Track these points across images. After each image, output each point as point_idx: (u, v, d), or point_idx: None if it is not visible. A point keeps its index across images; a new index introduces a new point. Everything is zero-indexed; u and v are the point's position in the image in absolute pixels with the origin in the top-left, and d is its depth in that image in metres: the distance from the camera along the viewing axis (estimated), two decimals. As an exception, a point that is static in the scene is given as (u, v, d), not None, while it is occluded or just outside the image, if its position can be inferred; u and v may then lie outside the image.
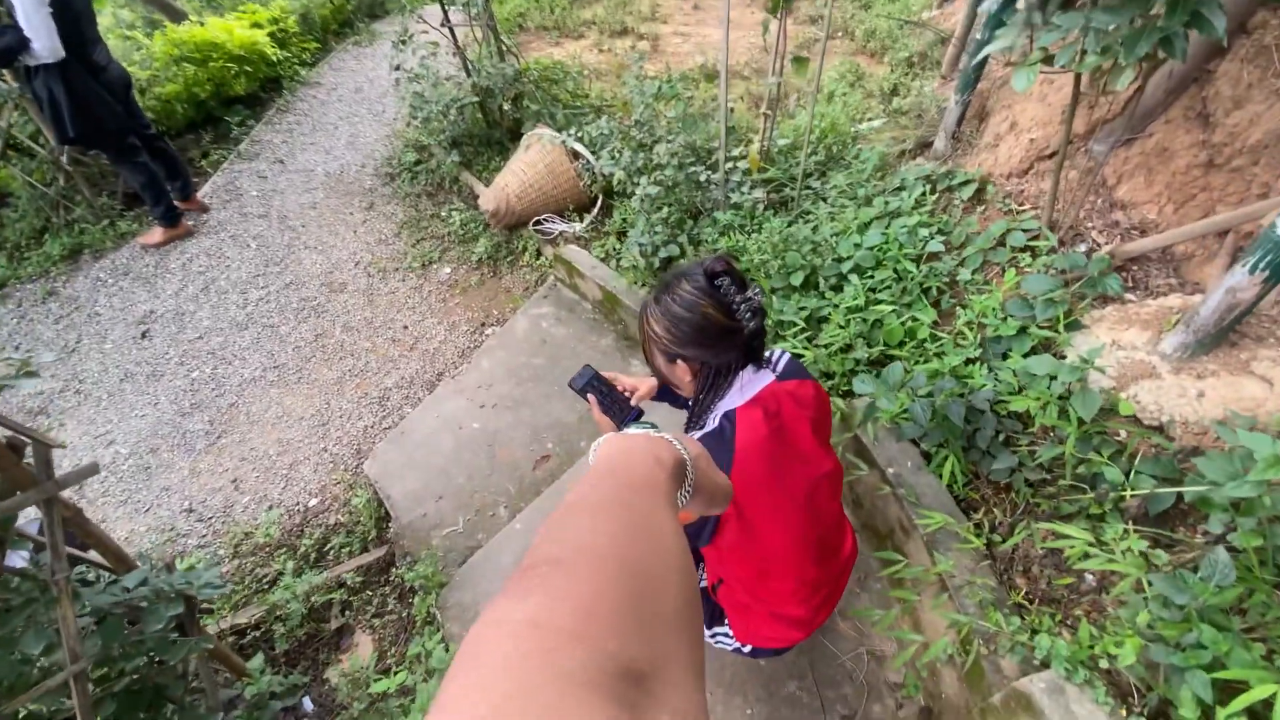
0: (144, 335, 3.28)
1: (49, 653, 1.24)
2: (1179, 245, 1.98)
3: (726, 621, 1.45)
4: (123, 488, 2.67)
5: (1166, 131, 2.05)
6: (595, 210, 3.37)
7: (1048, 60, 1.70)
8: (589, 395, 1.36)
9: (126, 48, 4.66)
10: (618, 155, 2.95)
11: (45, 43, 2.84)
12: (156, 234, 3.70)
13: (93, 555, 1.57)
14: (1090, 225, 2.14)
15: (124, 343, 3.25)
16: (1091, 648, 1.35)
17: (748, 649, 1.45)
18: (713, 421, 1.23)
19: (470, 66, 3.66)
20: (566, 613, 0.28)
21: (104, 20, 5.85)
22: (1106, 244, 2.06)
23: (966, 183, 2.44)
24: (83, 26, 3.04)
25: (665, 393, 1.47)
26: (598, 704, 0.24)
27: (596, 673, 0.26)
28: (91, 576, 1.57)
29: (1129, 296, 1.92)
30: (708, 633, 1.49)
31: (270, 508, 2.51)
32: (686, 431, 1.31)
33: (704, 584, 1.51)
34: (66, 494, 2.20)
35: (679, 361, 1.18)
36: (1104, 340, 1.78)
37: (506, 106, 3.85)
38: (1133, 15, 1.47)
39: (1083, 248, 2.08)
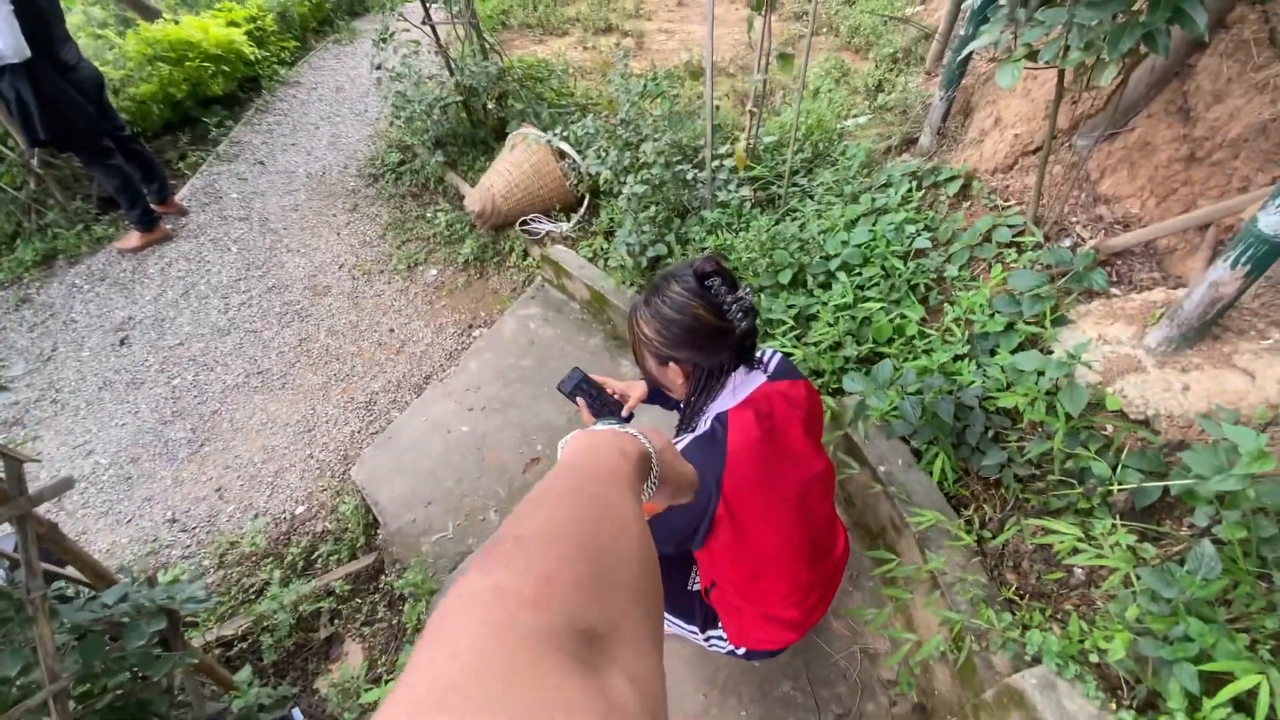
0: (122, 342, 3.22)
1: (26, 672, 1.21)
2: (1162, 239, 1.99)
3: (720, 624, 1.44)
4: (103, 499, 2.62)
5: (1148, 126, 2.07)
6: (582, 210, 3.35)
7: (1031, 56, 1.70)
8: (578, 399, 1.35)
9: (98, 47, 4.56)
10: (604, 154, 2.93)
11: (9, 42, 2.77)
12: (133, 238, 3.62)
13: (71, 571, 1.53)
14: (1075, 220, 2.15)
15: (102, 350, 3.19)
16: (1081, 642, 1.36)
17: (741, 651, 1.44)
18: (704, 424, 1.22)
19: (453, 65, 3.62)
20: (528, 583, 0.30)
21: (74, 19, 5.70)
22: (1091, 238, 2.07)
23: (952, 179, 2.45)
24: (50, 24, 2.97)
25: (656, 395, 1.46)
26: (555, 660, 0.26)
27: (555, 633, 0.28)
28: (71, 593, 1.54)
29: (1114, 291, 1.93)
30: (701, 636, 1.49)
31: (256, 516, 2.47)
32: (678, 434, 1.29)
33: (697, 587, 1.50)
34: (43, 508, 2.15)
35: (671, 364, 1.17)
36: (1090, 335, 1.79)
37: (491, 105, 3.81)
38: (1116, 11, 1.47)
39: (1068, 242, 2.09)
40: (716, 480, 1.15)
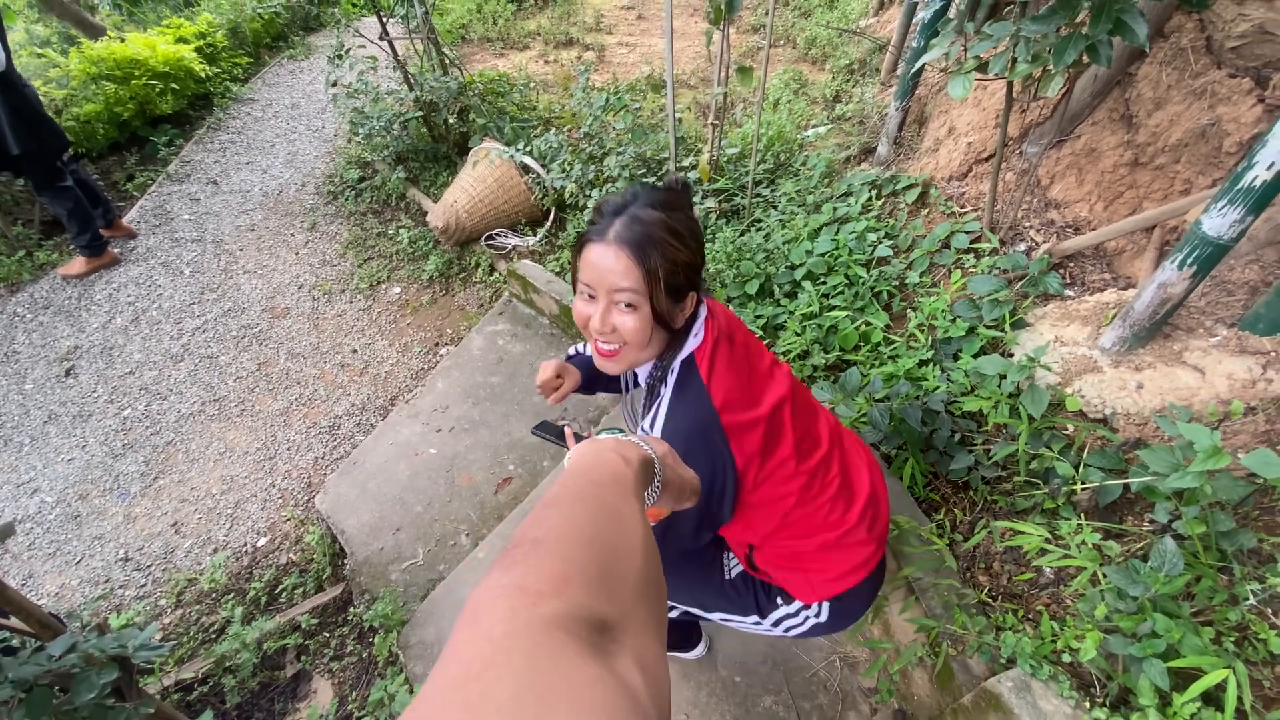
0: (68, 373, 3.07)
1: (-36, 736, 1.13)
2: (1111, 241, 2.06)
3: (783, 595, 1.24)
4: (50, 539, 2.48)
5: (1093, 133, 2.14)
6: (548, 224, 3.33)
7: (981, 68, 1.75)
8: (564, 431, 1.25)
9: (41, 65, 4.39)
10: (568, 168, 2.92)
11: None
12: (78, 264, 3.47)
13: (14, 622, 1.44)
14: (1028, 225, 2.21)
15: (46, 382, 3.04)
16: (1054, 642, 1.38)
17: (825, 609, 1.21)
18: (668, 387, 1.08)
19: (412, 80, 3.57)
20: (545, 579, 0.34)
21: (16, 36, 5.51)
22: (1044, 243, 2.13)
23: (910, 187, 2.50)
24: (4, 39, 2.85)
25: (591, 383, 1.37)
26: (571, 643, 0.30)
27: (571, 621, 0.32)
28: (16, 643, 1.45)
29: (1068, 293, 1.99)
30: (767, 623, 1.28)
31: (215, 550, 2.37)
32: (645, 412, 1.15)
33: (736, 569, 1.32)
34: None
35: (690, 292, 1.02)
36: (1048, 337, 1.84)
37: (452, 120, 3.77)
38: (1059, 24, 1.52)
39: (1022, 247, 2.15)
40: (719, 432, 1.02)
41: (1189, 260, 1.50)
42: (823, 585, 1.19)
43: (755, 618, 1.28)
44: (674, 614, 1.47)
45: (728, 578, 1.32)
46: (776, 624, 1.27)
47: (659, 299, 0.96)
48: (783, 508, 1.13)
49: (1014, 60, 1.64)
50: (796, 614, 1.24)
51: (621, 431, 0.72)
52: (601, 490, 0.50)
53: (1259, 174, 1.35)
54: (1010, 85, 1.88)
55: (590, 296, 1.00)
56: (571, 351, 1.41)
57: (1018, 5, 1.63)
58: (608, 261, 0.94)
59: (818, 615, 1.22)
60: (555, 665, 0.28)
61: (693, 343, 1.07)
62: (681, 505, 0.74)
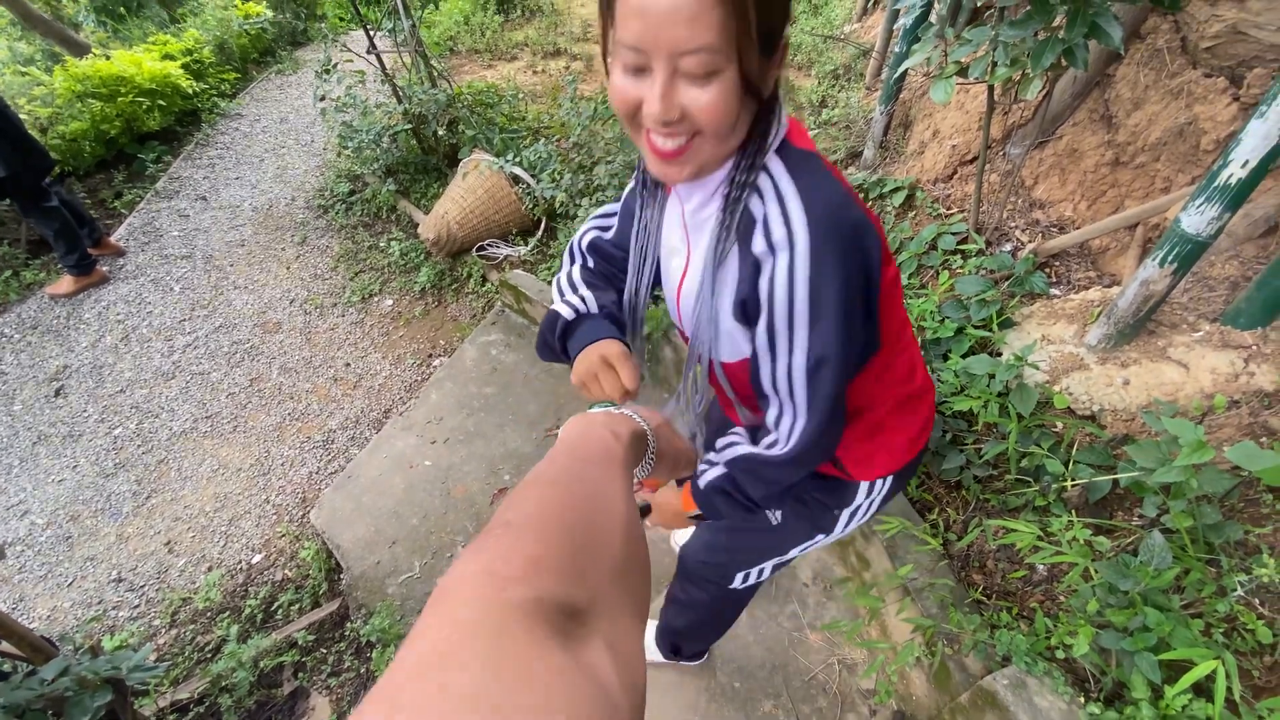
0: (58, 393, 3.05)
1: (-44, 763, 1.12)
2: (1095, 240, 2.09)
3: (842, 487, 1.07)
4: (42, 561, 2.46)
5: (1074, 133, 2.18)
6: (540, 233, 3.34)
7: (962, 72, 1.78)
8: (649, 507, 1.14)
9: (25, 84, 4.37)
10: (558, 178, 2.94)
11: None
12: (66, 283, 3.45)
13: (5, 646, 1.43)
14: (1013, 225, 2.24)
15: (35, 403, 3.01)
16: (1048, 639, 1.39)
17: (889, 483, 1.06)
18: (774, 181, 0.74)
19: (401, 93, 3.58)
20: (514, 564, 0.33)
21: (-2, 55, 5.50)
22: (1030, 242, 2.16)
23: (897, 189, 2.53)
24: None
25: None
26: (539, 630, 0.30)
27: (540, 607, 0.31)
28: (8, 668, 1.44)
29: (1054, 292, 2.01)
30: (839, 528, 1.12)
31: (209, 569, 2.35)
32: (721, 247, 0.78)
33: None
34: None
35: (782, 41, 0.69)
36: (1035, 336, 1.86)
37: (442, 132, 3.78)
38: (1036, 29, 1.55)
39: (1008, 247, 2.17)
40: (867, 223, 0.74)
41: (1170, 258, 1.52)
42: (894, 455, 1.01)
43: (822, 535, 1.13)
44: (750, 581, 1.27)
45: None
46: (848, 523, 1.10)
47: (749, 55, 0.63)
48: (885, 358, 0.90)
49: (994, 64, 1.67)
50: (864, 500, 1.06)
51: (615, 406, 0.69)
52: (585, 467, 0.49)
53: (1234, 171, 1.38)
54: (991, 89, 1.91)
55: (638, 69, 0.65)
56: (569, 313, 0.94)
57: (996, 10, 1.66)
58: (665, 3, 0.59)
59: (882, 492, 1.06)
60: (520, 654, 0.28)
61: (781, 127, 0.76)
62: (678, 474, 0.72)
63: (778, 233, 0.72)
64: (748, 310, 0.78)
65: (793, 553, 1.18)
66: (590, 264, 1.05)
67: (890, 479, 1.05)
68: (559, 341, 0.94)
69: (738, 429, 0.97)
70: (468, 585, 0.32)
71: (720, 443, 0.96)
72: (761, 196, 0.74)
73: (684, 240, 0.86)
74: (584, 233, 1.07)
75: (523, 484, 0.45)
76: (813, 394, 0.77)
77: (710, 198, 0.79)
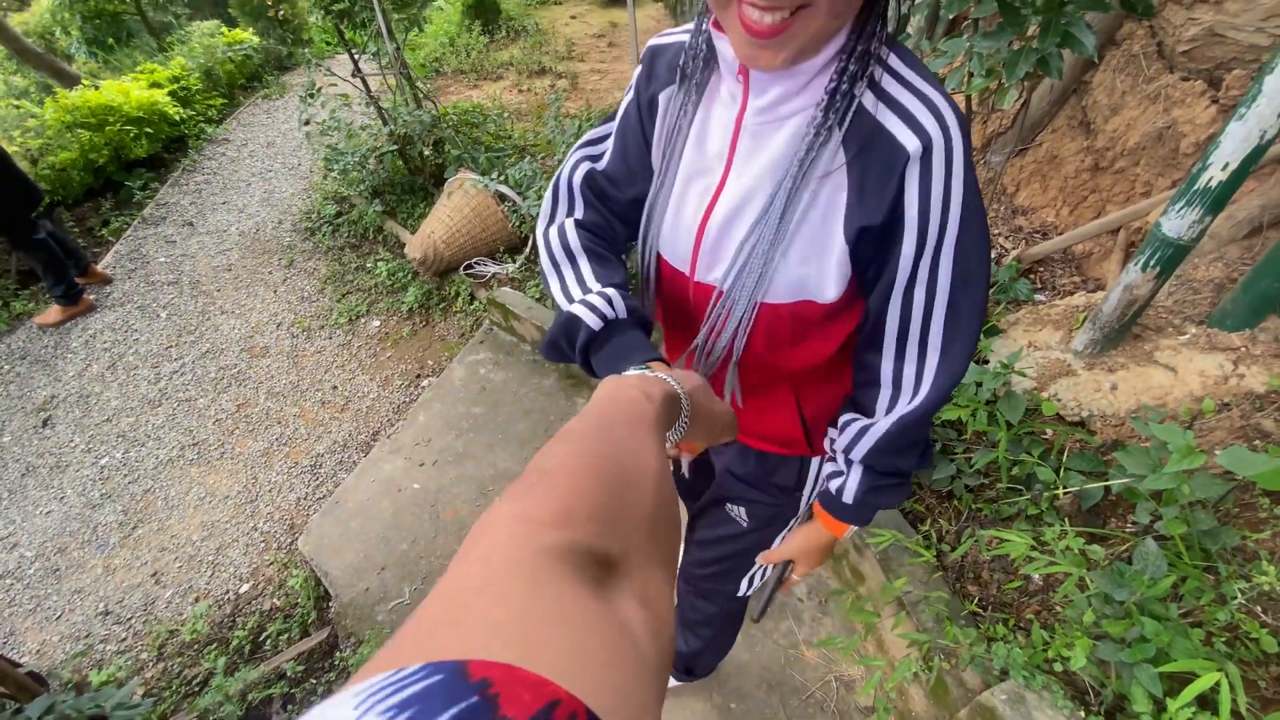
0: (45, 423, 3.02)
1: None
2: (1078, 245, 2.09)
3: (800, 462, 1.03)
4: (30, 595, 2.42)
5: (1054, 140, 2.19)
6: (527, 250, 3.34)
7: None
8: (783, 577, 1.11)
9: (18, 116, 4.38)
10: (544, 195, 2.94)
11: None
12: (54, 313, 3.43)
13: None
14: (996, 232, 2.24)
15: (23, 434, 2.98)
16: (1045, 651, 1.37)
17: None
18: (901, 75, 0.63)
19: (386, 115, 3.59)
20: (549, 510, 0.33)
21: (-11, 88, 5.52)
22: (1013, 249, 2.16)
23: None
24: None
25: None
26: (570, 573, 0.30)
27: (570, 552, 0.31)
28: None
29: (1039, 298, 2.01)
30: (806, 494, 1.07)
31: (197, 599, 2.31)
32: (816, 148, 0.64)
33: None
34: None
35: None
36: (1021, 343, 1.85)
37: (427, 152, 3.79)
38: (1010, 39, 1.55)
39: (993, 254, 2.17)
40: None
41: (1152, 261, 1.52)
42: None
43: (794, 519, 1.08)
44: (755, 584, 1.22)
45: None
46: (809, 500, 1.06)
47: None
48: None
49: (970, 75, 1.68)
50: (815, 474, 1.01)
51: (646, 368, 0.65)
52: (618, 427, 0.48)
53: (1214, 175, 1.38)
54: (969, 99, 1.91)
55: None
56: (595, 321, 0.74)
57: (970, 21, 1.67)
58: None
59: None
60: (555, 595, 0.28)
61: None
62: (717, 439, 0.65)
63: (929, 124, 0.60)
64: (870, 237, 0.64)
65: (777, 542, 1.12)
66: (581, 214, 0.86)
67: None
68: (580, 354, 0.76)
69: (847, 417, 0.83)
70: (503, 528, 0.32)
71: (840, 441, 0.83)
72: (875, 87, 0.62)
73: (724, 154, 0.70)
74: (574, 165, 0.87)
75: (555, 438, 0.45)
76: (955, 321, 0.68)
77: (800, 90, 0.62)
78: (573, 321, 0.74)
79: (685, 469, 1.14)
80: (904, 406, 0.75)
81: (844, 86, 0.60)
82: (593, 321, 0.74)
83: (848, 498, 0.84)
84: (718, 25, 0.63)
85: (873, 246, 0.66)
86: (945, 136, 0.60)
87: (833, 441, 0.86)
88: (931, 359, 0.71)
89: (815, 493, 1.03)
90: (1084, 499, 1.53)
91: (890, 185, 0.61)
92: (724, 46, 0.63)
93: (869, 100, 0.61)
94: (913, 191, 0.61)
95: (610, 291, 0.76)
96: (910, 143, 0.60)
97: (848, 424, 0.82)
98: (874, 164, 0.62)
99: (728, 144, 0.69)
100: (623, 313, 0.75)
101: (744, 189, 0.68)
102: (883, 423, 0.77)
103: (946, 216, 0.62)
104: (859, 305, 0.75)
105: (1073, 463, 1.57)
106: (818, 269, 0.68)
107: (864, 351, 0.77)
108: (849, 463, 0.83)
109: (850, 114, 0.61)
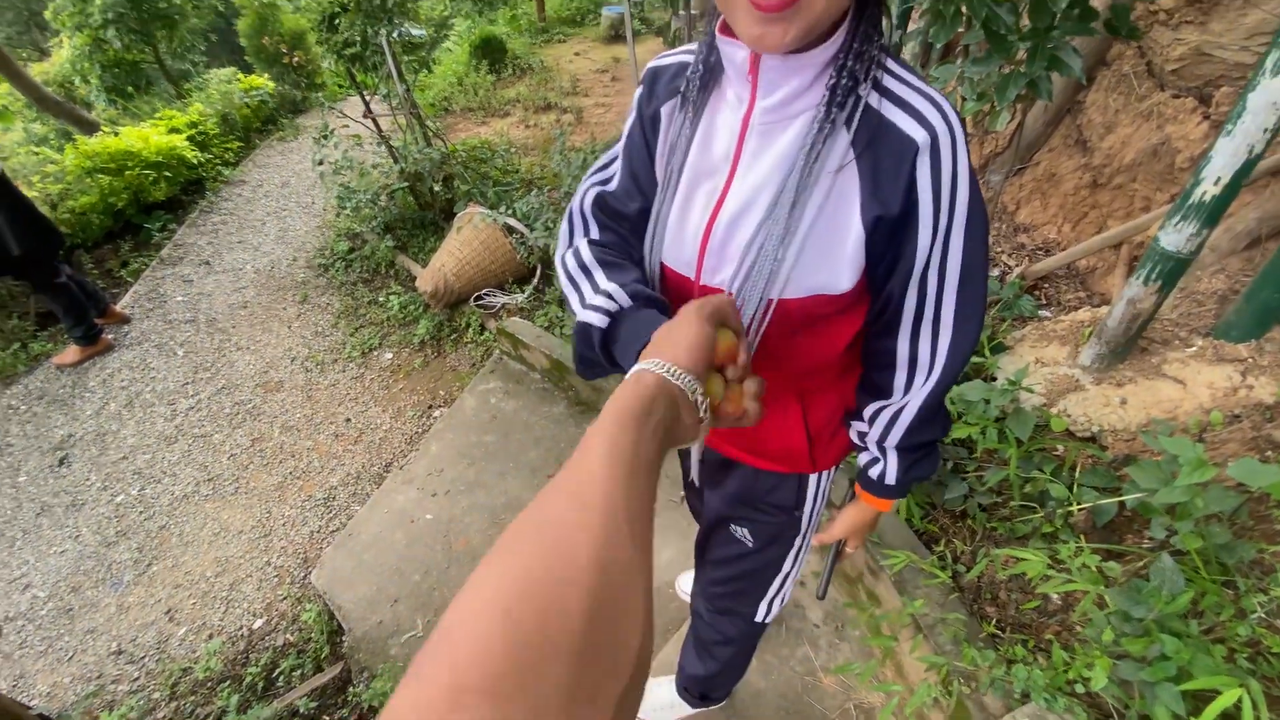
0: (61, 462, 3.06)
1: None
2: (1080, 261, 2.10)
3: (799, 481, 1.05)
4: (42, 636, 2.43)
5: (1051, 159, 2.22)
6: (535, 281, 3.39)
7: (933, 108, 1.82)
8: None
9: (38, 162, 4.54)
10: (552, 226, 3.00)
11: None
12: (72, 353, 3.51)
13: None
14: (999, 250, 2.26)
15: (40, 473, 3.02)
16: (1066, 672, 1.34)
17: (834, 470, 1.06)
18: (892, 81, 0.66)
19: (397, 154, 3.70)
20: (442, 691, 0.29)
21: (14, 135, 5.73)
22: (1017, 266, 2.17)
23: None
24: None
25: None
26: None
27: None
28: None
29: (1044, 314, 2.02)
30: (806, 513, 1.09)
31: (210, 637, 2.31)
32: (819, 145, 0.66)
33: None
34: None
35: None
36: (1028, 359, 1.86)
37: (437, 188, 3.89)
38: (999, 64, 1.60)
39: (996, 272, 2.19)
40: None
41: (1153, 275, 1.53)
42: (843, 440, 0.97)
43: (797, 538, 1.08)
44: (775, 610, 1.23)
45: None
46: (809, 521, 1.07)
47: None
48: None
49: (963, 99, 1.72)
50: (813, 491, 1.02)
51: (650, 364, 0.54)
52: (563, 506, 0.40)
53: (1207, 189, 1.40)
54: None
55: None
56: (601, 320, 0.73)
57: (961, 47, 1.72)
58: None
59: (827, 484, 1.04)
60: None
61: None
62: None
63: (933, 117, 0.63)
64: (885, 226, 0.67)
65: (787, 565, 1.14)
66: (596, 234, 0.86)
67: (835, 469, 1.02)
68: (602, 354, 0.75)
69: (874, 406, 0.86)
70: (394, 714, 0.29)
71: (872, 434, 0.87)
72: (878, 85, 0.65)
73: (730, 155, 0.71)
74: (584, 192, 0.89)
75: (493, 549, 0.38)
76: (965, 300, 0.72)
77: (806, 88, 0.65)
78: (584, 329, 0.75)
79: (695, 475, 1.14)
80: (921, 384, 0.78)
81: (845, 81, 0.63)
82: (599, 321, 0.73)
83: (890, 480, 0.90)
84: (724, 31, 0.66)
85: (888, 236, 0.68)
86: (949, 128, 0.64)
87: (863, 435, 0.91)
88: (945, 337, 0.75)
89: (811, 514, 1.05)
90: (1098, 515, 1.52)
91: (902, 176, 0.64)
92: (732, 50, 0.66)
93: (873, 98, 0.65)
94: (924, 181, 0.64)
95: (611, 287, 0.75)
96: (918, 134, 0.63)
97: (876, 413, 0.86)
98: (884, 156, 0.64)
99: (734, 145, 0.71)
100: (626, 302, 0.73)
101: (751, 187, 0.70)
102: (909, 406, 0.81)
103: (955, 203, 0.66)
104: (866, 300, 0.78)
105: (1085, 478, 1.56)
106: (832, 261, 0.69)
107: (880, 339, 0.79)
108: (884, 450, 0.88)
109: (859, 112, 0.64)
